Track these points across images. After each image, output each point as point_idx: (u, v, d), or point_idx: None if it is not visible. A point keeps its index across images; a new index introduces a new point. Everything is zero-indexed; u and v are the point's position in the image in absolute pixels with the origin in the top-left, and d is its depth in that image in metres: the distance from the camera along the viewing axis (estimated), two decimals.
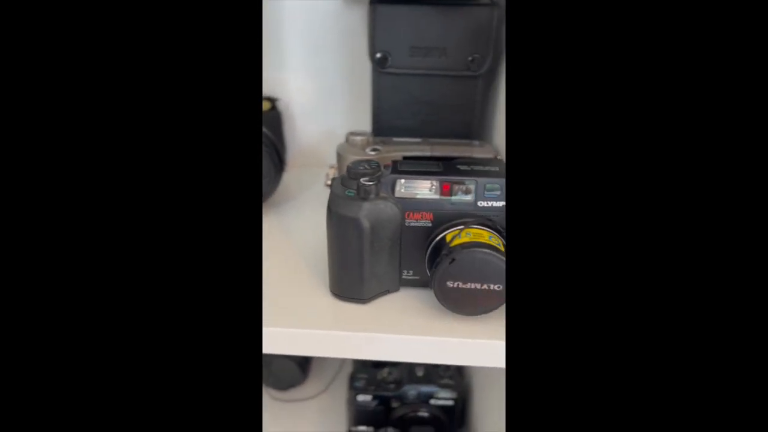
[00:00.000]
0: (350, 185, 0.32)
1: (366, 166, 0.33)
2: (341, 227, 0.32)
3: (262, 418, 0.38)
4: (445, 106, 0.47)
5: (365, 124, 0.56)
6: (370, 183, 0.31)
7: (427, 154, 0.43)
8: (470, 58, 0.45)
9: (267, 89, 0.59)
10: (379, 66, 0.46)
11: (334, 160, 0.46)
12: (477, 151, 0.43)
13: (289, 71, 0.59)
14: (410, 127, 0.48)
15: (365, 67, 0.49)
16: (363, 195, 0.31)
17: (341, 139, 0.46)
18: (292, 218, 0.48)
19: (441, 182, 0.32)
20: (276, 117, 0.58)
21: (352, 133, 0.45)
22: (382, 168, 0.34)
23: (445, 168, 0.33)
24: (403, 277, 0.35)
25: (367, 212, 0.31)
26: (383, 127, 0.48)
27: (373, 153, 0.43)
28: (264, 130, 0.47)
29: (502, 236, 0.32)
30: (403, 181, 0.32)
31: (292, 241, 0.43)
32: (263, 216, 0.48)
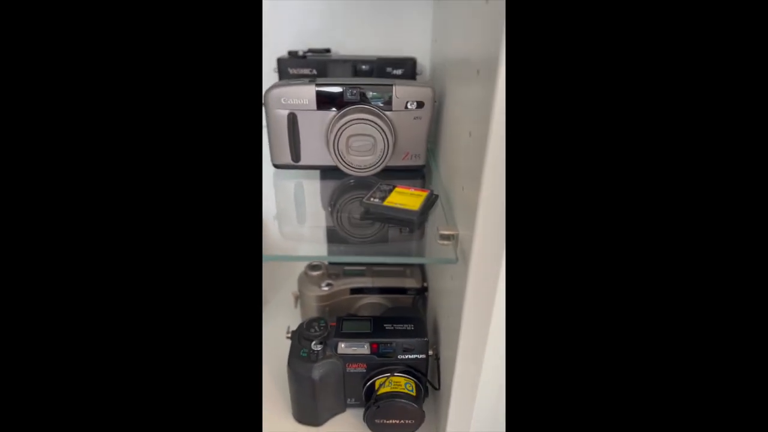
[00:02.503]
0: (305, 345, 0.44)
1: (316, 328, 0.45)
2: (298, 380, 0.43)
3: None
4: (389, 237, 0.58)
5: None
6: (319, 347, 0.43)
7: (369, 285, 0.55)
8: None
9: None
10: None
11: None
12: (408, 281, 0.55)
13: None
14: (359, 252, 0.59)
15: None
16: (313, 358, 0.43)
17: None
18: (265, 330, 0.59)
19: (371, 343, 0.44)
20: None
21: (311, 267, 0.57)
22: (328, 327, 0.45)
23: (374, 330, 0.45)
24: (347, 403, 0.47)
25: (317, 370, 0.43)
26: (336, 253, 0.59)
27: (326, 288, 0.54)
28: None
29: (417, 378, 0.44)
30: (343, 344, 0.44)
31: (264, 358, 0.54)
32: None
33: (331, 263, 0.59)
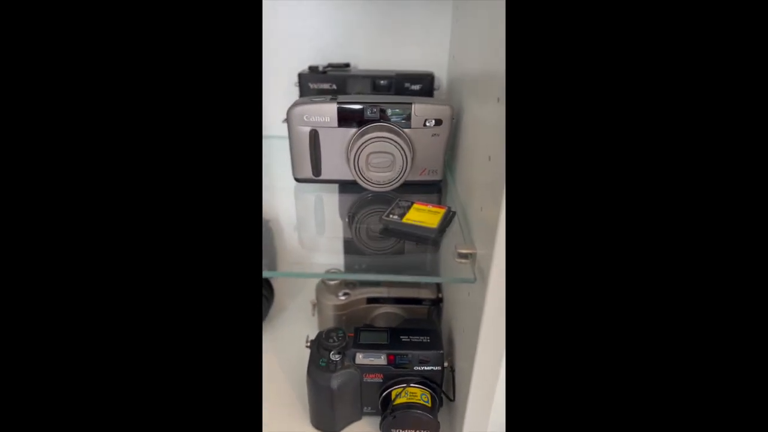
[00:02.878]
0: (323, 355, 0.45)
1: (334, 338, 0.46)
2: (317, 389, 0.45)
3: None
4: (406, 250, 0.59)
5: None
6: (337, 357, 0.44)
7: (385, 295, 0.56)
8: None
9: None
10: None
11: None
12: (423, 292, 0.56)
13: (279, 197, 0.71)
14: (376, 265, 0.60)
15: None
16: (332, 368, 0.44)
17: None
18: (284, 337, 0.60)
19: (388, 354, 0.45)
20: (268, 233, 0.71)
21: (328, 271, 0.58)
22: (346, 337, 0.47)
23: (391, 341, 0.46)
24: (364, 411, 0.48)
25: (335, 380, 0.44)
26: (353, 264, 0.61)
27: (343, 297, 0.56)
28: None
29: (432, 389, 0.45)
30: (361, 355, 0.45)
31: (283, 365, 0.56)
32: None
33: (349, 271, 0.61)
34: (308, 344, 0.48)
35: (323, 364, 0.45)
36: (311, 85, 0.54)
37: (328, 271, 0.58)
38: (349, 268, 0.63)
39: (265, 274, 0.63)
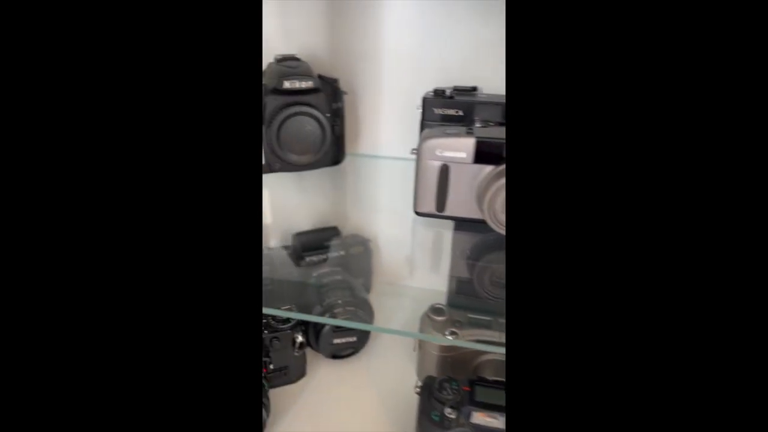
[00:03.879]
0: (436, 407, 0.42)
1: (449, 390, 0.43)
2: None
3: None
4: None
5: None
6: (453, 414, 0.41)
7: (496, 339, 0.52)
8: None
9: (362, 232, 0.70)
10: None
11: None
12: None
13: (381, 218, 0.70)
14: (482, 307, 0.56)
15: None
16: (446, 425, 0.41)
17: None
18: (382, 370, 0.59)
19: None
20: (368, 253, 0.69)
21: (434, 311, 0.55)
22: (461, 391, 0.43)
23: None
24: None
25: None
26: (456, 304, 0.57)
27: (451, 337, 0.52)
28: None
29: None
30: (477, 414, 0.41)
31: (384, 401, 0.54)
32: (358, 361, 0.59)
33: (453, 308, 0.57)
34: (417, 390, 0.45)
35: (436, 419, 0.42)
36: (436, 110, 0.51)
37: (431, 306, 0.55)
38: (452, 305, 0.60)
39: (352, 324, 0.60)
